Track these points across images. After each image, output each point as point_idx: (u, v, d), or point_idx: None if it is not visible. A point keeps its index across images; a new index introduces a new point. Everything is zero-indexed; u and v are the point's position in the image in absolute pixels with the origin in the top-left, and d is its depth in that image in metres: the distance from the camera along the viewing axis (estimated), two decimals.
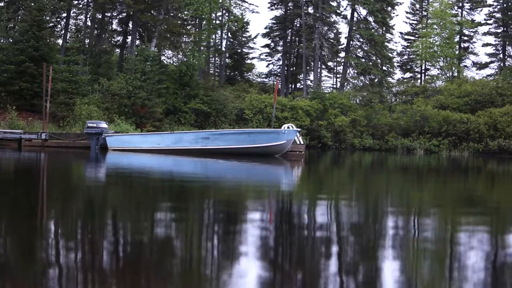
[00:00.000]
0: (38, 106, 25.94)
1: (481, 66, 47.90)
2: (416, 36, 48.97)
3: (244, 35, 51.19)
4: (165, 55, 42.55)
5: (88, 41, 38.35)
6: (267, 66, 69.31)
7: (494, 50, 48.12)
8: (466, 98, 38.03)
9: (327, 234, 5.13)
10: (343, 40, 47.82)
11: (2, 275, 3.31)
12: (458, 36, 46.83)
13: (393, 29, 48.92)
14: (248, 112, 34.73)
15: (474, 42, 48.59)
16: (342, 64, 47.26)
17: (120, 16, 39.03)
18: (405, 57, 51.20)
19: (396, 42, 63.92)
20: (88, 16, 38.83)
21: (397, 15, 71.24)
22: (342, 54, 46.83)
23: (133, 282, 3.32)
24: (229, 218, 6.00)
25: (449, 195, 9.72)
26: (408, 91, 45.10)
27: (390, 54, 46.43)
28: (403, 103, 42.76)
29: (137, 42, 36.24)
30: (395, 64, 49.07)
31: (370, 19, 44.59)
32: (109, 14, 38.59)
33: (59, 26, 39.35)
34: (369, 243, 4.78)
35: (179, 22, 37.71)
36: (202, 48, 39.34)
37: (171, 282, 3.36)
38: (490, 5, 47.23)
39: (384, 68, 45.58)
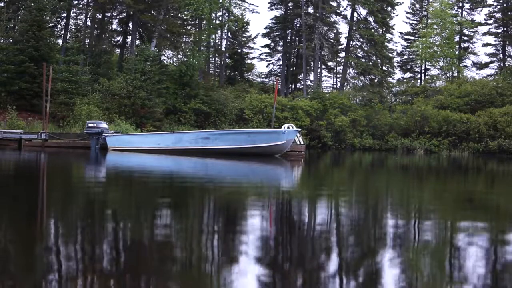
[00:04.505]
0: (38, 106, 25.95)
1: (481, 66, 47.94)
2: (416, 36, 49.01)
3: (244, 35, 51.23)
4: (165, 55, 42.64)
5: (88, 41, 38.39)
6: (267, 66, 69.53)
7: (494, 50, 48.18)
8: (466, 98, 38.07)
9: (327, 235, 5.13)
10: (343, 40, 47.95)
11: (2, 275, 3.31)
12: (458, 36, 46.87)
13: (393, 29, 49.05)
14: (248, 112, 34.75)
15: (474, 42, 48.73)
16: (342, 64, 47.30)
17: (120, 16, 39.07)
18: (405, 57, 51.26)
19: (396, 42, 64.09)
20: (88, 16, 38.88)
21: (397, 15, 71.53)
22: (342, 54, 46.87)
23: (132, 282, 3.32)
24: (229, 218, 6.00)
25: (449, 195, 9.72)
26: (408, 91, 45.13)
27: (390, 54, 46.49)
28: (403, 103, 42.82)
29: (137, 42, 36.26)
30: (395, 64, 49.17)
31: (370, 19, 44.64)
32: (109, 14, 38.64)
33: (59, 26, 39.44)
34: (369, 243, 4.79)
35: (179, 22, 37.74)
36: (202, 48, 39.36)
37: (171, 283, 3.36)
38: (490, 5, 47.32)
39: (384, 68, 45.62)
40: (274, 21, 48.36)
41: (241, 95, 38.14)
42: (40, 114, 24.69)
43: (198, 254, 4.10)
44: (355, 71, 45.64)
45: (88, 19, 39.41)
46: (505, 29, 46.93)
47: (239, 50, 50.58)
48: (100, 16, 37.75)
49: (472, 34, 47.88)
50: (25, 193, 7.54)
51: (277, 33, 49.27)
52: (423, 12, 50.61)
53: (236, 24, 44.41)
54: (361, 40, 44.82)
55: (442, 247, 4.69)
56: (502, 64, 46.73)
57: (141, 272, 3.52)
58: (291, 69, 50.27)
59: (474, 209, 7.54)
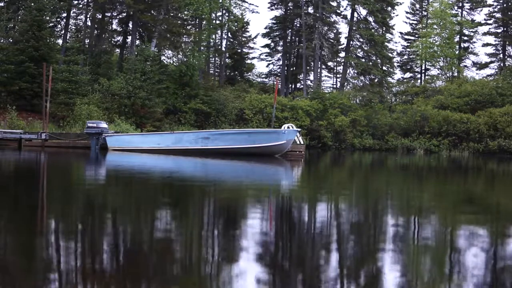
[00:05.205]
0: (38, 106, 25.94)
1: (481, 66, 47.91)
2: (416, 36, 48.98)
3: (244, 35, 51.19)
4: (165, 55, 42.59)
5: (88, 41, 38.36)
6: (267, 66, 69.38)
7: (494, 50, 48.14)
8: (466, 98, 38.04)
9: (327, 235, 5.13)
10: (343, 40, 47.90)
11: (2, 275, 3.31)
12: (458, 36, 46.83)
13: (393, 29, 49.01)
14: (248, 112, 34.73)
15: (474, 42, 48.66)
16: (342, 64, 47.27)
17: (120, 16, 39.06)
18: (405, 57, 51.22)
19: (396, 42, 64.00)
20: (88, 16, 38.84)
21: (397, 15, 71.34)
22: (342, 54, 46.84)
23: (132, 283, 3.32)
24: (229, 218, 6.00)
25: (449, 196, 9.72)
26: (408, 91, 45.11)
27: (390, 54, 46.45)
28: (403, 103, 42.79)
29: (137, 42, 36.24)
30: (395, 64, 49.12)
31: (370, 19, 44.62)
32: (109, 14, 38.61)
33: (59, 26, 39.36)
34: (369, 244, 4.78)
35: (179, 22, 37.72)
36: (202, 48, 39.33)
37: (170, 284, 3.36)
38: (490, 5, 47.28)
39: (384, 68, 45.59)
40: (274, 21, 48.35)
41: (241, 95, 38.12)
42: (40, 114, 24.68)
43: (198, 253, 4.09)
44: (355, 71, 45.62)
45: (88, 19, 39.39)
46: (505, 29, 46.90)
47: (239, 50, 50.54)
48: (100, 16, 37.72)
49: (472, 34, 47.87)
50: (25, 193, 7.54)
51: (277, 33, 49.25)
52: (423, 12, 50.58)
53: (236, 24, 44.34)
54: (361, 40, 44.80)
55: (442, 247, 4.69)
56: (502, 64, 46.70)
57: (141, 272, 3.52)
58: (291, 69, 50.24)
59: (474, 209, 7.53)
